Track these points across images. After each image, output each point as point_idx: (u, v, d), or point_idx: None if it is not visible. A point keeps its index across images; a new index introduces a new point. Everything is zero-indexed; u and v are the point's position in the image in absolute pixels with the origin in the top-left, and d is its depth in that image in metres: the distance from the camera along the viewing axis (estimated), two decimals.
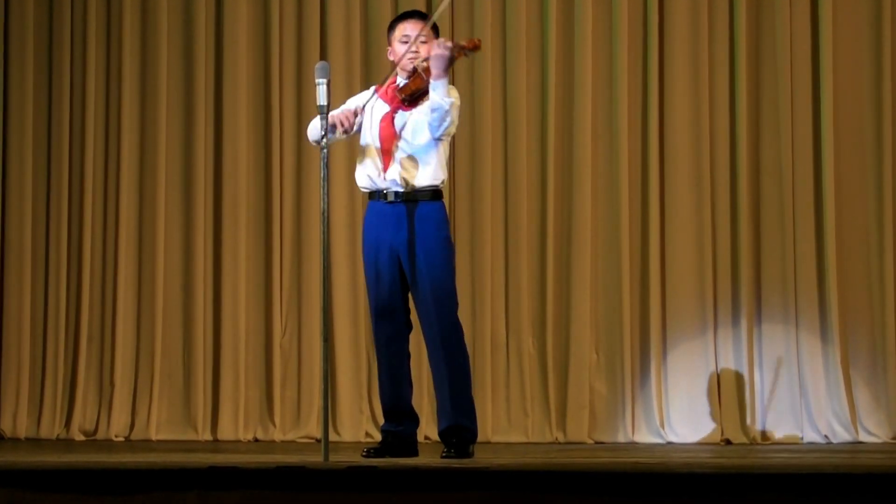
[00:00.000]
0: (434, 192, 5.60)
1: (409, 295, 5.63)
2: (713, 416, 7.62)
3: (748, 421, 7.57)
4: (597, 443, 7.64)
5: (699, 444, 7.53)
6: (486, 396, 7.67)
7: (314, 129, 5.59)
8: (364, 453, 5.59)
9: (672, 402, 7.69)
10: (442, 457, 5.46)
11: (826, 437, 7.51)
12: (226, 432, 7.95)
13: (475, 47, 5.51)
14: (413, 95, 5.55)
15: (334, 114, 5.53)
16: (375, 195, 5.64)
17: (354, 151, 5.83)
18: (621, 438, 7.67)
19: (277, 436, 7.90)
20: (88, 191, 8.19)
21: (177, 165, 8.17)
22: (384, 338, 5.65)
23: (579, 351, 7.74)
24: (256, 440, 7.92)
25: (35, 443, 7.88)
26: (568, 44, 7.89)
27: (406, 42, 5.60)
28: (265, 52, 8.15)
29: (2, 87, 8.32)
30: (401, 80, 5.63)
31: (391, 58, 5.69)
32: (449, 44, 5.45)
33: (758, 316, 7.70)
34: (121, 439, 7.99)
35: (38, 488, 4.28)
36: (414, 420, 5.71)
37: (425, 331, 5.60)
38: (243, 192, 8.08)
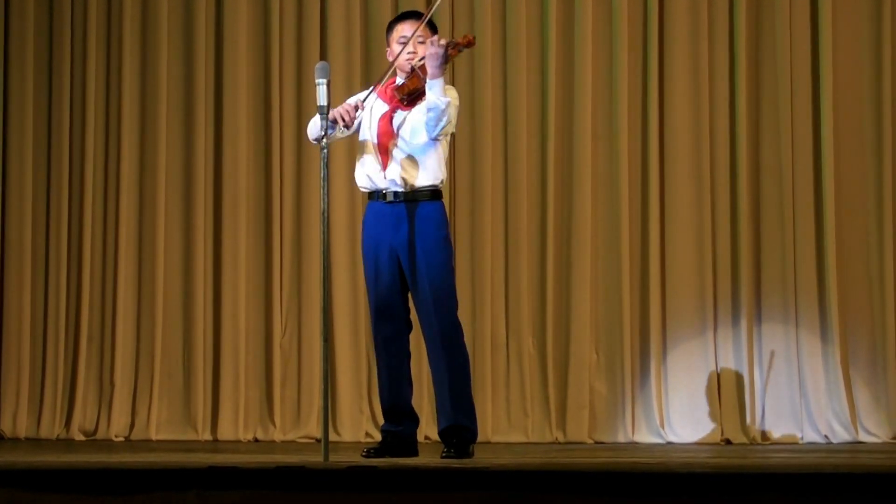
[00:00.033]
0: (433, 192, 5.60)
1: (409, 295, 5.64)
2: (713, 416, 7.62)
3: (748, 421, 7.57)
4: (597, 443, 7.64)
5: (699, 444, 7.53)
6: (486, 396, 7.67)
7: (314, 127, 5.59)
8: (364, 453, 5.59)
9: (672, 402, 7.69)
10: (442, 457, 5.47)
11: (826, 436, 7.51)
12: (226, 432, 7.95)
13: (469, 44, 5.51)
14: (411, 95, 5.56)
15: (335, 109, 5.52)
16: (375, 195, 5.64)
17: (354, 151, 5.83)
18: (621, 438, 7.67)
19: (277, 436, 7.90)
20: (88, 191, 8.19)
21: (177, 165, 8.17)
22: (384, 338, 5.65)
23: (579, 351, 7.75)
24: (256, 440, 7.92)
25: (35, 443, 7.88)
26: (568, 44, 7.89)
27: (404, 42, 5.61)
28: (265, 52, 8.15)
29: (2, 87, 8.32)
30: (400, 80, 5.63)
31: (390, 58, 5.70)
32: (442, 42, 5.45)
33: (758, 316, 7.70)
34: (121, 439, 7.99)
35: (38, 488, 4.28)
36: (414, 420, 5.71)
37: (425, 331, 5.60)
38: (243, 192, 8.08)
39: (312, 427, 7.84)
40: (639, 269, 7.78)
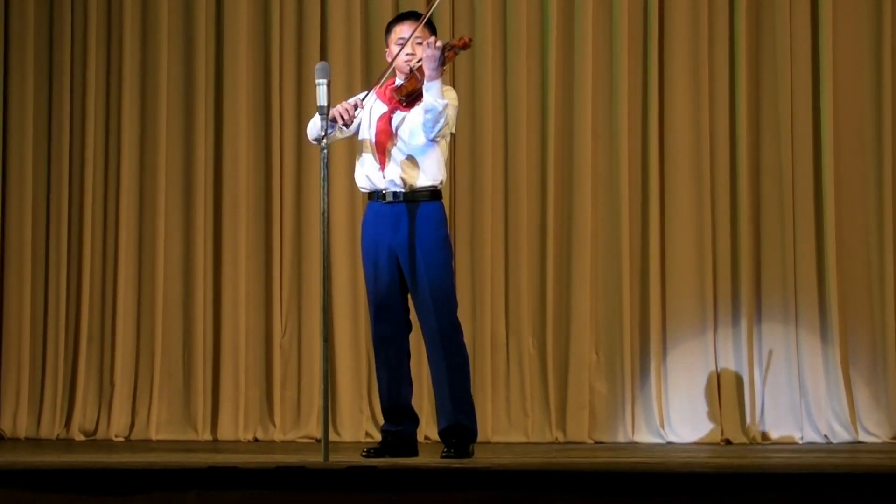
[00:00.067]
0: (432, 192, 5.60)
1: (409, 295, 5.64)
2: (713, 416, 7.62)
3: (748, 421, 7.57)
4: (597, 443, 7.64)
5: (699, 443, 7.53)
6: (486, 396, 7.67)
7: (314, 127, 5.60)
8: (364, 453, 5.59)
9: (672, 402, 7.69)
10: (442, 457, 5.47)
11: (826, 436, 7.51)
12: (226, 432, 7.95)
13: (465, 46, 5.51)
14: (410, 96, 5.56)
15: (334, 108, 5.51)
16: (374, 195, 5.65)
17: (354, 151, 5.83)
18: (621, 438, 7.67)
19: (277, 436, 7.90)
20: (88, 191, 8.19)
21: (177, 165, 8.17)
22: (383, 338, 5.65)
23: (579, 351, 7.75)
24: (256, 440, 7.92)
25: (35, 443, 7.88)
26: (568, 44, 7.89)
27: (402, 44, 5.61)
28: (265, 52, 8.15)
29: (2, 87, 8.32)
30: (399, 81, 5.63)
31: (389, 59, 5.70)
32: (439, 44, 5.45)
33: (758, 316, 7.70)
34: (121, 439, 7.99)
35: (38, 488, 4.28)
36: (414, 420, 5.71)
37: (425, 331, 5.60)
38: (243, 192, 8.08)
39: (312, 427, 7.84)
40: (639, 269, 7.78)
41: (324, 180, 5.28)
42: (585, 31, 7.85)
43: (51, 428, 8.08)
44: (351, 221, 7.85)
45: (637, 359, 7.73)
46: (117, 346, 8.08)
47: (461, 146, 7.80)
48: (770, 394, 7.63)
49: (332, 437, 7.48)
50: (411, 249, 5.54)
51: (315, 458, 5.25)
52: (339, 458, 5.26)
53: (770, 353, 7.64)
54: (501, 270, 7.86)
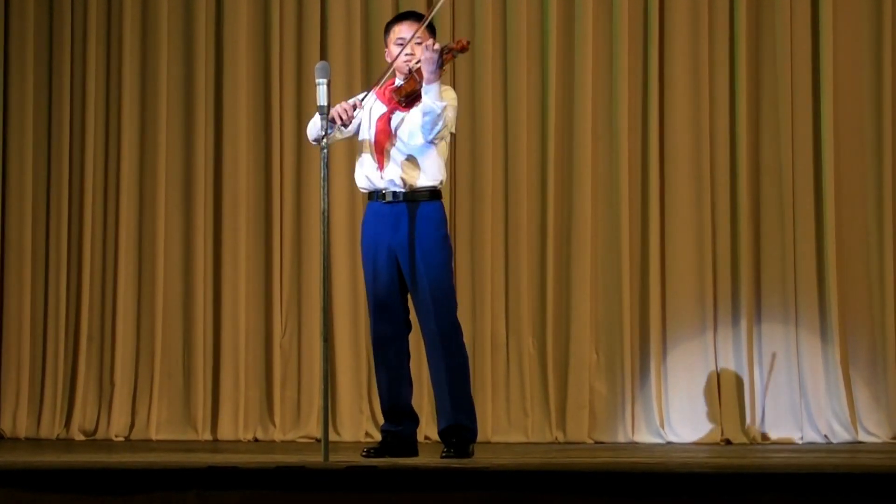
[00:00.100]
0: (432, 192, 5.60)
1: (408, 295, 5.64)
2: (713, 416, 7.62)
3: (748, 421, 7.57)
4: (597, 443, 7.64)
5: (699, 444, 7.53)
6: (486, 396, 7.67)
7: (314, 127, 5.60)
8: (364, 453, 5.59)
9: (672, 402, 7.69)
10: (442, 457, 5.47)
11: (826, 436, 7.51)
12: (226, 432, 7.95)
13: (463, 48, 5.51)
14: (409, 97, 5.55)
15: (333, 108, 5.51)
16: (374, 195, 5.65)
17: (354, 152, 5.83)
18: (621, 438, 7.67)
19: (277, 436, 7.90)
20: (88, 191, 8.19)
21: (177, 165, 8.17)
22: (383, 338, 5.65)
23: (579, 351, 7.75)
24: (256, 440, 7.92)
25: (35, 443, 7.88)
26: (568, 44, 7.89)
27: (401, 44, 5.61)
28: (265, 52, 8.15)
29: (2, 87, 8.32)
30: (399, 82, 5.63)
31: (389, 59, 5.70)
32: (437, 47, 5.45)
33: (758, 316, 7.70)
34: (121, 439, 7.99)
35: (38, 488, 4.28)
36: (413, 420, 5.71)
37: (424, 331, 5.60)
38: (243, 192, 8.08)
39: (312, 427, 7.84)
40: (639, 269, 7.78)
41: (324, 180, 5.28)
42: (585, 31, 7.85)
43: (51, 428, 8.08)
44: (351, 221, 7.85)
45: (637, 359, 7.73)
46: (117, 346, 8.08)
47: (461, 146, 7.80)
48: (770, 394, 7.63)
49: (332, 437, 7.48)
50: (411, 249, 5.54)
51: (315, 458, 5.25)
52: (339, 458, 5.26)
53: (773, 356, 7.63)
54: (501, 270, 7.86)
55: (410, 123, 5.55)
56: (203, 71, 8.15)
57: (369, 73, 7.93)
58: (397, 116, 5.60)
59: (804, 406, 7.59)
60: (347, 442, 7.69)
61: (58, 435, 8.06)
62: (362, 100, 5.62)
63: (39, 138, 8.28)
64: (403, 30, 5.64)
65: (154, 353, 8.06)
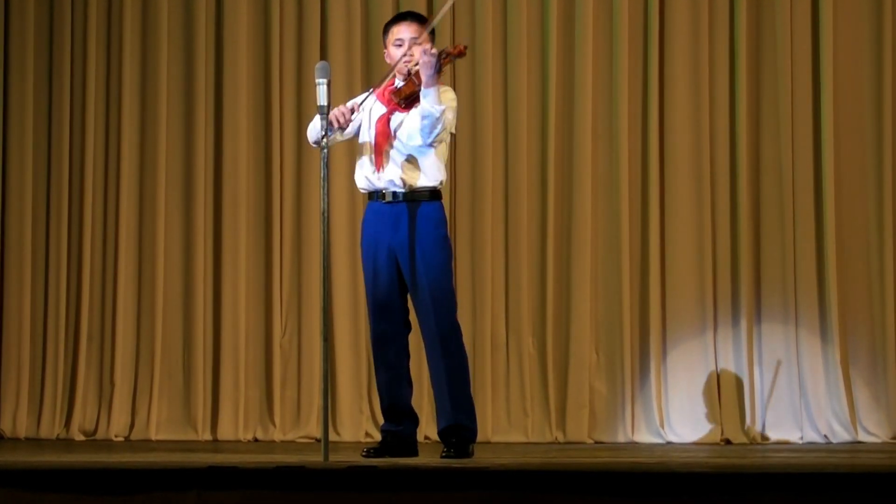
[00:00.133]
0: (432, 192, 5.60)
1: (408, 295, 5.63)
2: (713, 416, 7.62)
3: (748, 421, 7.57)
4: (597, 443, 7.64)
5: (699, 443, 7.53)
6: (486, 396, 7.67)
7: (314, 129, 5.60)
8: (364, 453, 5.59)
9: (672, 402, 7.69)
10: (442, 457, 5.47)
11: (826, 436, 7.51)
12: (226, 432, 7.95)
13: (460, 53, 5.51)
14: (408, 99, 5.55)
15: (332, 111, 5.51)
16: (374, 195, 5.65)
17: (354, 151, 5.83)
18: (621, 438, 7.67)
19: (277, 436, 7.90)
20: (88, 191, 8.19)
21: (177, 165, 8.17)
22: (383, 338, 5.65)
23: (579, 351, 7.75)
24: (256, 440, 7.92)
25: (35, 443, 7.88)
26: (568, 44, 7.89)
27: (399, 45, 5.61)
28: (265, 52, 8.15)
29: (2, 87, 8.32)
30: (399, 82, 5.63)
31: (388, 60, 5.70)
32: (434, 51, 5.44)
33: (758, 316, 7.70)
34: (121, 439, 7.99)
35: (38, 488, 4.28)
36: (413, 420, 5.71)
37: (424, 331, 5.60)
38: (243, 192, 8.08)
39: (312, 427, 7.84)
40: (639, 269, 7.78)
41: (324, 180, 5.29)
42: (585, 31, 7.85)
43: (51, 428, 8.08)
44: (351, 221, 7.85)
45: (637, 359, 7.73)
46: (117, 346, 8.08)
47: (461, 146, 7.80)
48: (770, 394, 7.62)
49: (332, 437, 7.48)
50: (411, 249, 5.54)
51: (315, 458, 5.25)
52: (339, 458, 5.26)
53: (778, 363, 7.62)
54: (501, 270, 7.86)
55: (410, 125, 5.55)
56: (203, 71, 8.15)
57: (369, 73, 7.93)
58: (397, 117, 5.60)
59: (804, 406, 7.59)
60: (347, 442, 7.69)
61: (58, 435, 8.06)
62: (361, 103, 5.62)
63: (39, 138, 8.28)
64: (401, 31, 5.64)
65: (154, 353, 8.06)
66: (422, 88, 5.46)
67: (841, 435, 7.49)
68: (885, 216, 7.64)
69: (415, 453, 5.62)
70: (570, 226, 7.82)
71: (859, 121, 7.73)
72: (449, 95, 5.60)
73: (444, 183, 5.64)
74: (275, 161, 8.09)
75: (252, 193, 8.10)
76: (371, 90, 5.69)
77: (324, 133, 5.34)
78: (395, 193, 5.58)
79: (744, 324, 7.66)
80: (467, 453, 5.51)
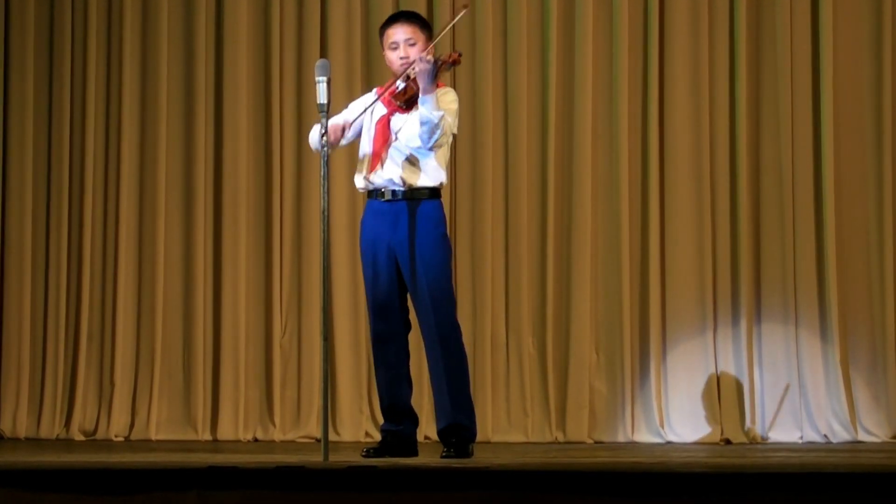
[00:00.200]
0: (432, 191, 5.59)
1: (408, 294, 5.63)
2: (713, 416, 7.62)
3: (748, 421, 7.57)
4: (596, 442, 7.64)
5: (699, 443, 7.53)
6: (486, 396, 7.67)
7: (313, 139, 5.62)
8: (364, 453, 5.59)
9: (672, 402, 7.69)
10: (441, 457, 5.47)
11: (826, 436, 7.51)
12: (226, 432, 7.95)
13: (455, 61, 5.50)
14: (409, 101, 5.55)
15: (330, 125, 5.48)
16: (373, 194, 5.64)
17: (354, 151, 5.83)
18: (621, 438, 7.67)
19: (277, 436, 7.90)
20: (88, 191, 8.19)
21: (177, 165, 8.17)
22: (382, 337, 5.64)
23: (579, 351, 7.74)
24: (256, 440, 7.92)
25: (35, 443, 7.88)
26: (568, 44, 7.89)
27: (395, 48, 5.60)
28: (265, 52, 8.14)
29: (2, 87, 8.32)
30: (400, 84, 5.62)
31: (387, 63, 5.69)
32: (430, 58, 5.43)
33: (757, 315, 7.70)
34: (121, 439, 7.99)
35: (38, 488, 4.28)
36: (413, 420, 5.71)
37: (423, 331, 5.60)
38: (243, 192, 8.08)
39: (312, 427, 7.84)
40: (639, 269, 7.78)
41: (324, 179, 5.28)
42: (585, 30, 7.85)
43: (51, 428, 8.08)
44: (351, 221, 7.84)
45: (637, 359, 7.73)
46: (117, 346, 8.08)
47: (461, 146, 7.79)
48: (770, 394, 7.62)
49: (332, 437, 7.48)
50: (410, 248, 5.54)
51: (315, 458, 5.25)
52: (339, 458, 5.26)
53: (787, 387, 7.62)
54: (501, 270, 7.86)
55: (410, 126, 5.55)
56: (203, 71, 8.15)
57: (369, 73, 7.94)
58: (397, 119, 5.59)
59: (804, 406, 7.59)
60: (347, 442, 7.69)
61: (58, 435, 8.06)
62: (354, 120, 5.61)
63: (39, 138, 8.28)
64: (396, 33, 5.62)
65: (154, 353, 8.06)
66: (420, 95, 5.45)
67: (841, 435, 7.49)
68: (885, 216, 7.64)
69: (415, 453, 5.62)
70: (570, 226, 7.82)
71: (859, 121, 7.73)
72: (449, 97, 5.58)
73: (444, 184, 5.63)
74: (275, 161, 8.08)
75: (252, 193, 8.10)
76: (376, 93, 5.69)
77: (324, 130, 5.33)
78: (394, 192, 5.57)
79: (744, 324, 7.65)
80: (467, 453, 5.51)
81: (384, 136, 5.57)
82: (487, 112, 7.87)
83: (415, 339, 5.70)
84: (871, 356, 7.63)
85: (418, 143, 5.52)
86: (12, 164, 8.29)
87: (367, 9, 8.07)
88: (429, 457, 5.52)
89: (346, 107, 5.81)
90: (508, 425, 7.76)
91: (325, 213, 5.29)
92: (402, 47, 5.58)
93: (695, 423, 7.63)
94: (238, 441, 7.88)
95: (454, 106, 5.58)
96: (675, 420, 7.66)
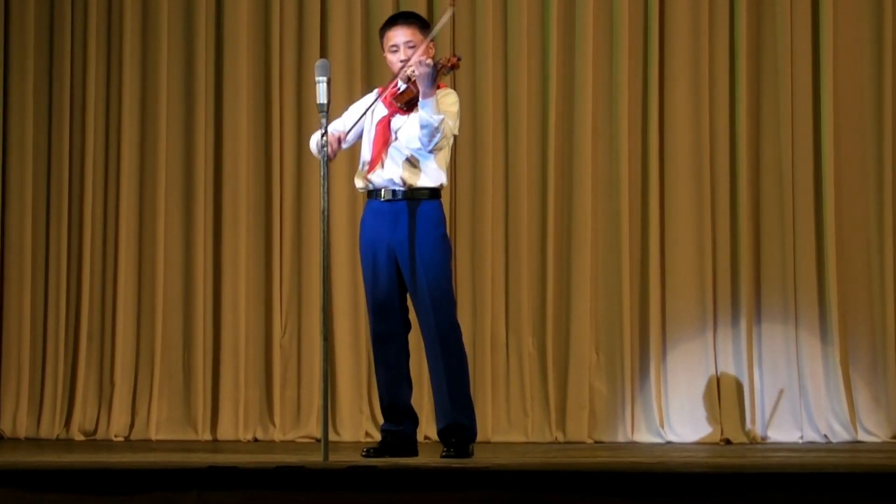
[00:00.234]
0: (432, 191, 5.59)
1: (408, 294, 5.63)
2: (713, 416, 7.62)
3: (748, 421, 7.57)
4: (596, 442, 7.64)
5: (699, 443, 7.53)
6: (486, 396, 7.67)
7: (313, 147, 5.62)
8: (364, 453, 5.59)
9: (672, 402, 7.69)
10: (441, 456, 5.46)
11: (826, 436, 7.51)
12: (226, 432, 7.95)
13: (454, 66, 5.50)
14: (409, 103, 5.55)
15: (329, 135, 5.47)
16: (373, 194, 5.64)
17: (354, 151, 5.83)
18: (621, 438, 7.67)
19: (277, 436, 7.90)
20: (88, 191, 8.19)
21: (177, 165, 8.17)
22: (382, 337, 5.64)
23: (579, 351, 7.75)
24: (256, 440, 7.92)
25: (35, 443, 7.88)
26: (569, 44, 7.89)
27: (395, 51, 5.59)
28: (265, 52, 8.14)
29: (2, 87, 8.32)
30: (401, 85, 5.62)
31: (388, 64, 5.69)
32: (430, 61, 5.43)
33: (757, 316, 7.70)
34: (121, 439, 7.99)
35: (38, 488, 4.28)
36: (413, 420, 5.71)
37: (424, 331, 5.59)
38: (243, 192, 8.08)
39: (312, 427, 7.84)
40: (639, 269, 7.78)
41: (324, 179, 5.28)
42: (586, 31, 7.85)
43: (51, 428, 8.08)
44: (351, 221, 7.85)
45: (637, 359, 7.73)
46: (117, 346, 8.08)
47: (462, 146, 7.79)
48: (770, 394, 7.63)
49: (332, 437, 7.48)
50: (410, 248, 5.53)
51: (315, 458, 5.25)
52: (339, 458, 5.26)
53: (781, 391, 7.62)
54: (501, 270, 7.86)
55: (410, 128, 5.54)
56: (203, 71, 8.15)
57: (369, 73, 7.94)
58: (397, 120, 5.59)
59: (804, 406, 7.59)
60: (347, 442, 7.69)
61: (58, 435, 8.06)
62: (349, 130, 5.61)
63: (39, 138, 8.28)
64: (396, 35, 5.61)
65: (154, 352, 8.06)
66: (420, 99, 5.45)
67: (841, 435, 7.49)
68: (885, 216, 7.64)
69: (415, 453, 5.62)
70: (570, 226, 7.82)
71: (859, 121, 7.73)
72: (450, 99, 5.58)
73: (444, 185, 5.63)
74: (275, 161, 8.08)
75: (252, 193, 8.10)
76: (377, 92, 5.68)
77: (324, 130, 5.32)
78: (394, 192, 5.57)
79: (744, 324, 7.66)
80: (467, 453, 5.51)
81: (384, 136, 5.57)
82: (487, 112, 7.87)
83: (415, 339, 5.70)
84: (871, 356, 7.63)
85: (418, 144, 5.52)
86: (12, 164, 8.29)
87: (367, 9, 8.07)
88: (429, 457, 5.52)
89: (346, 109, 5.81)
90: (508, 425, 7.76)
91: (325, 213, 5.29)
92: (402, 50, 5.57)
93: (695, 423, 7.63)
94: (238, 441, 7.87)
95: (454, 108, 5.57)
96: (675, 420, 7.66)
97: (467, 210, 7.89)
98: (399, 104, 5.56)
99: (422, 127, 5.45)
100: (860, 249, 7.69)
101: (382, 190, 5.60)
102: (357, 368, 7.92)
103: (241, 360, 7.99)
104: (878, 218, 7.66)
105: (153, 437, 7.97)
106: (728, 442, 7.52)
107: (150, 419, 8.00)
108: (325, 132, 5.35)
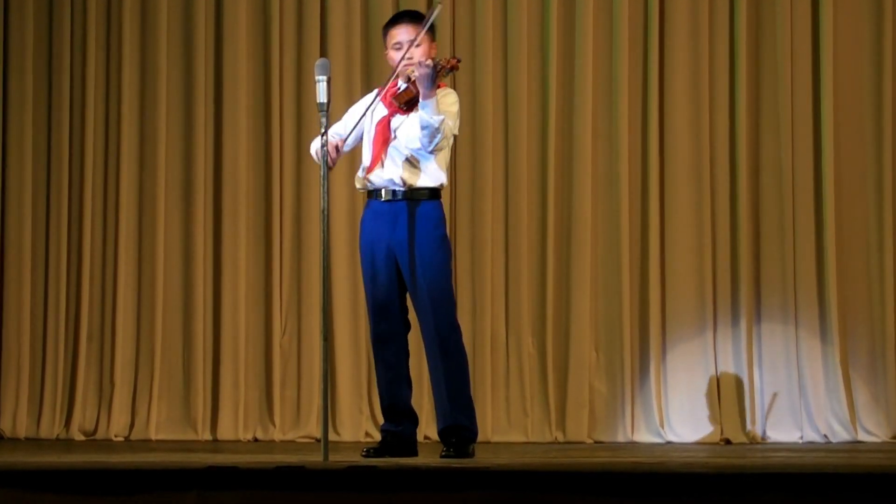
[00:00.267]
0: (431, 191, 5.59)
1: (407, 294, 5.63)
2: (713, 416, 7.62)
3: (748, 421, 7.57)
4: (596, 442, 7.64)
5: (699, 443, 7.54)
6: (486, 396, 7.67)
7: (314, 153, 5.62)
8: (364, 453, 5.59)
9: (672, 402, 7.69)
10: (441, 457, 5.46)
11: (825, 436, 7.51)
12: (225, 432, 7.95)
13: (453, 67, 5.50)
14: (409, 103, 5.55)
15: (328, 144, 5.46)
16: (372, 194, 5.64)
17: (355, 151, 5.83)
18: (621, 438, 7.67)
19: (277, 436, 7.90)
20: (88, 191, 8.19)
21: (177, 165, 8.17)
22: (382, 337, 5.64)
23: (579, 350, 7.75)
24: (256, 440, 7.92)
25: (35, 443, 7.88)
26: (569, 44, 7.90)
27: (398, 48, 5.59)
28: (265, 52, 8.14)
29: (2, 87, 8.32)
30: (401, 84, 5.61)
31: (390, 62, 5.69)
32: (430, 63, 5.43)
33: (757, 316, 7.71)
34: (120, 439, 7.99)
35: (38, 488, 4.28)
36: (413, 420, 5.71)
37: (424, 331, 5.59)
38: (243, 192, 8.08)
39: (312, 427, 7.84)
40: (639, 269, 7.78)
41: (324, 179, 5.28)
42: (586, 31, 7.85)
43: (51, 428, 8.08)
44: (351, 221, 7.85)
45: (637, 358, 7.73)
46: (117, 346, 8.08)
47: (462, 146, 7.79)
48: (770, 393, 7.63)
49: (332, 437, 7.48)
50: (409, 249, 5.53)
51: (315, 458, 5.25)
52: (339, 458, 5.26)
53: (774, 395, 7.62)
54: (501, 270, 7.86)
55: (410, 128, 5.54)
56: (203, 71, 8.15)
57: (369, 73, 7.94)
58: (397, 120, 5.59)
59: (804, 406, 7.59)
60: (347, 442, 7.69)
61: (58, 435, 8.06)
62: (346, 137, 5.61)
63: (39, 138, 8.28)
64: (399, 34, 5.61)
65: (154, 353, 8.06)
66: (420, 100, 5.45)
67: (841, 435, 7.49)
68: (885, 216, 7.64)
69: (415, 453, 5.61)
70: (570, 226, 7.82)
71: (859, 121, 7.73)
72: (450, 99, 5.58)
73: (444, 185, 5.63)
74: (275, 161, 8.08)
75: (252, 193, 8.10)
76: (377, 92, 5.68)
77: (323, 130, 5.32)
78: (394, 192, 5.57)
79: (744, 324, 7.66)
80: (467, 453, 5.51)
81: (384, 136, 5.57)
82: (487, 112, 7.88)
83: (415, 339, 5.70)
84: (870, 356, 7.64)
85: (418, 144, 5.52)
86: (12, 164, 8.29)
87: (366, 8, 8.07)
88: (429, 457, 5.52)
89: (346, 111, 5.81)
90: (508, 425, 7.76)
91: (325, 213, 5.29)
92: (405, 48, 5.57)
93: (695, 423, 7.63)
94: (238, 441, 7.88)
95: (455, 108, 5.57)
96: (675, 420, 7.66)
97: (467, 210, 7.89)
98: (399, 104, 5.56)
99: (422, 128, 5.45)
100: (860, 249, 7.69)
101: (382, 190, 5.60)
102: (357, 368, 7.92)
103: (241, 360, 7.99)
104: (878, 218, 7.67)
105: (153, 437, 7.97)
106: (728, 442, 7.52)
107: (149, 419, 8.00)
108: (325, 132, 5.34)
